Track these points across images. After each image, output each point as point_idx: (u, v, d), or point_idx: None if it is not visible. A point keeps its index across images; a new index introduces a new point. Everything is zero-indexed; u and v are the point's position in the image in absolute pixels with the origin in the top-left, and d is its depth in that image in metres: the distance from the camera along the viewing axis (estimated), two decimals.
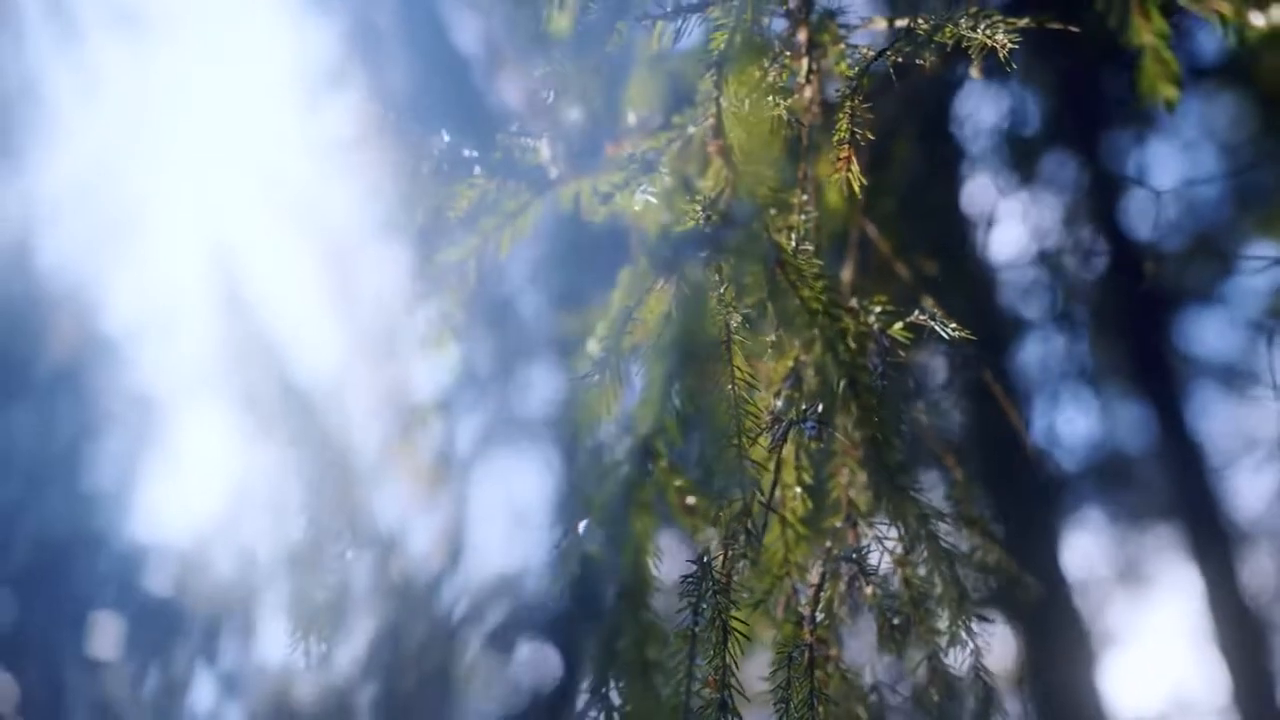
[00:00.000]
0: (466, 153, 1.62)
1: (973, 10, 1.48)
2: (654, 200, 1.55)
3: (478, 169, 1.64)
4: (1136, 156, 4.57)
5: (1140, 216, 4.51)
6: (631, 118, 1.70)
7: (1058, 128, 4.23)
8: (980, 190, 3.95)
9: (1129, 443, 4.66)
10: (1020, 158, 4.20)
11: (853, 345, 1.36)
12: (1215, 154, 4.42)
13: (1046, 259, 4.36)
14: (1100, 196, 4.41)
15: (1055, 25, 1.52)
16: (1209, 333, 4.65)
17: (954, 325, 1.52)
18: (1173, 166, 4.51)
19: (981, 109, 3.75)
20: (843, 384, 1.33)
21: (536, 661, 5.17)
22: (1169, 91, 1.18)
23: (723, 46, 1.43)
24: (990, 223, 3.75)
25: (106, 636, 4.76)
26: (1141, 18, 1.20)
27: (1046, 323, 4.54)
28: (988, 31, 1.42)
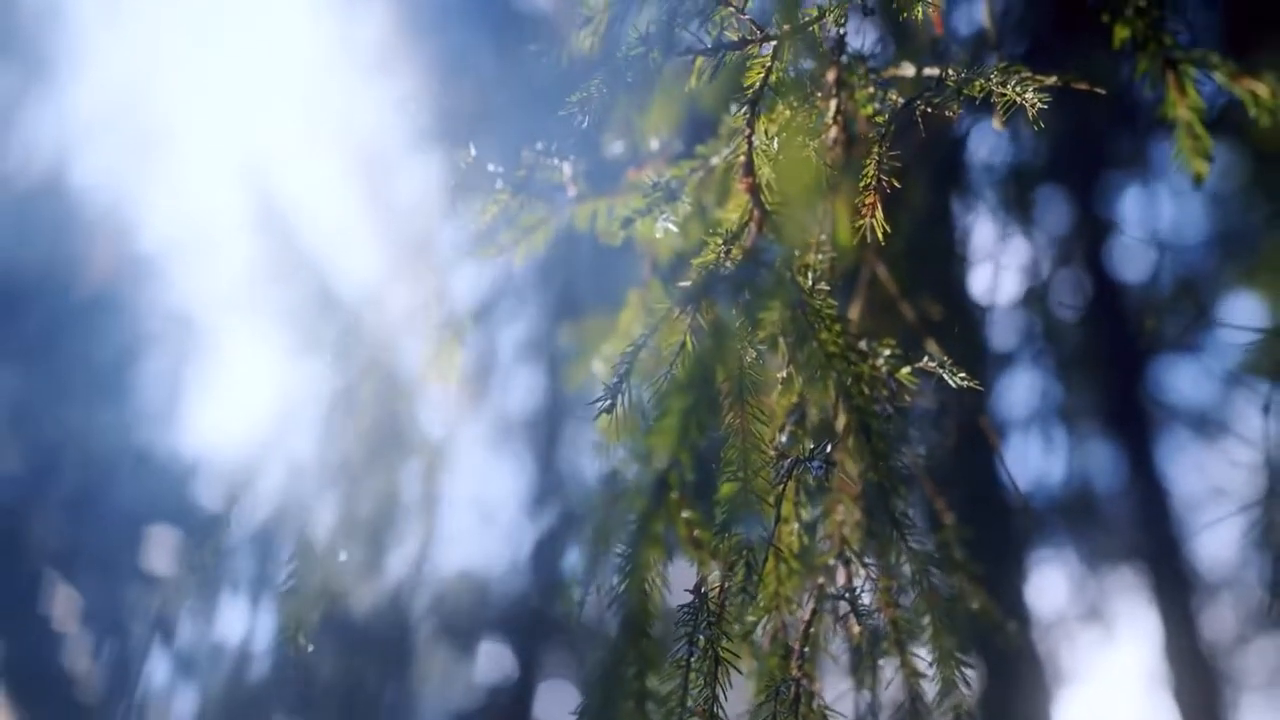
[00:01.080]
0: (491, 168, 1.62)
1: (1002, 65, 1.49)
2: (675, 229, 1.56)
3: (500, 183, 1.65)
4: (1125, 200, 4.63)
5: (1124, 261, 4.57)
6: (654, 143, 1.71)
7: (1051, 167, 4.27)
8: (976, 227, 3.98)
9: (1098, 483, 4.71)
10: (1013, 196, 4.24)
11: (866, 390, 1.38)
12: (1203, 203, 4.46)
13: (1031, 298, 4.40)
14: (1086, 238, 4.45)
15: (1082, 85, 1.54)
16: (1184, 380, 4.69)
17: (961, 374, 1.54)
18: (1159, 212, 4.56)
19: (983, 147, 3.78)
20: (853, 428, 1.34)
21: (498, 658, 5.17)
22: (1200, 166, 1.20)
23: (757, 84, 1.44)
24: (984, 262, 3.78)
25: (161, 550, 4.79)
26: (1178, 92, 1.22)
27: (1025, 359, 4.59)
28: (1018, 88, 1.44)
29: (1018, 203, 4.25)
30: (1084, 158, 4.21)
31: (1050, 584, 4.71)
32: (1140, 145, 4.34)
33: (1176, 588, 4.23)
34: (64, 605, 4.83)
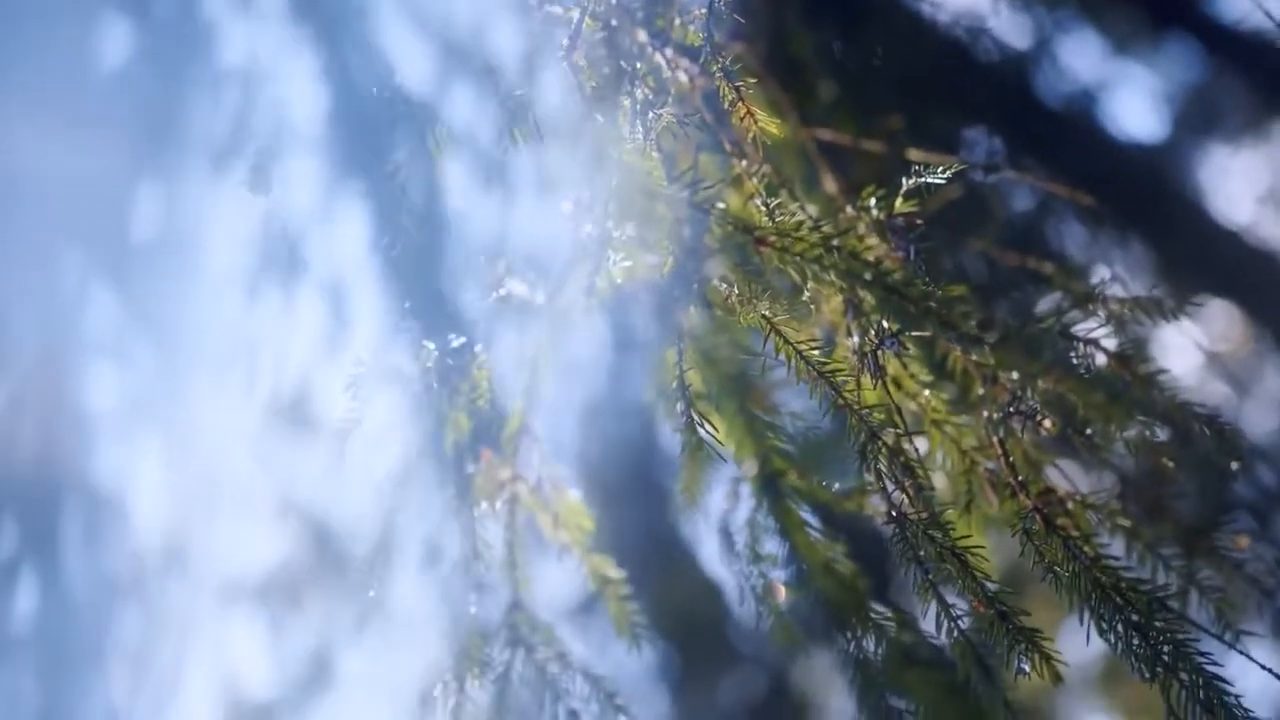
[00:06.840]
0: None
1: None
2: (630, 262, 1.56)
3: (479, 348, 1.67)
4: None
5: None
6: (566, 206, 1.70)
7: None
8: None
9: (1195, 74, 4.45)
10: None
11: (869, 258, 1.34)
12: None
13: None
14: None
15: None
16: None
17: (941, 167, 1.49)
18: None
19: None
20: (886, 303, 1.31)
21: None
22: None
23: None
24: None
25: None
26: None
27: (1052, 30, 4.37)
28: None
29: None
30: None
31: (1231, 191, 4.45)
32: None
33: None
34: None
